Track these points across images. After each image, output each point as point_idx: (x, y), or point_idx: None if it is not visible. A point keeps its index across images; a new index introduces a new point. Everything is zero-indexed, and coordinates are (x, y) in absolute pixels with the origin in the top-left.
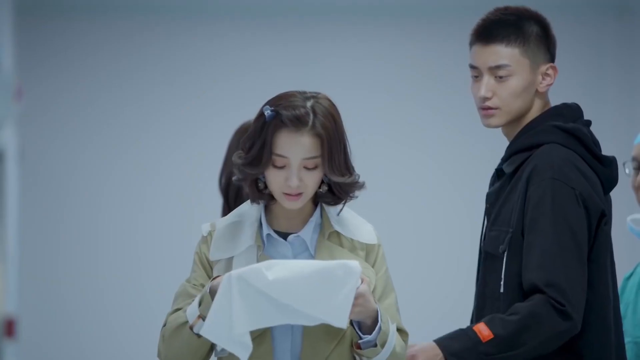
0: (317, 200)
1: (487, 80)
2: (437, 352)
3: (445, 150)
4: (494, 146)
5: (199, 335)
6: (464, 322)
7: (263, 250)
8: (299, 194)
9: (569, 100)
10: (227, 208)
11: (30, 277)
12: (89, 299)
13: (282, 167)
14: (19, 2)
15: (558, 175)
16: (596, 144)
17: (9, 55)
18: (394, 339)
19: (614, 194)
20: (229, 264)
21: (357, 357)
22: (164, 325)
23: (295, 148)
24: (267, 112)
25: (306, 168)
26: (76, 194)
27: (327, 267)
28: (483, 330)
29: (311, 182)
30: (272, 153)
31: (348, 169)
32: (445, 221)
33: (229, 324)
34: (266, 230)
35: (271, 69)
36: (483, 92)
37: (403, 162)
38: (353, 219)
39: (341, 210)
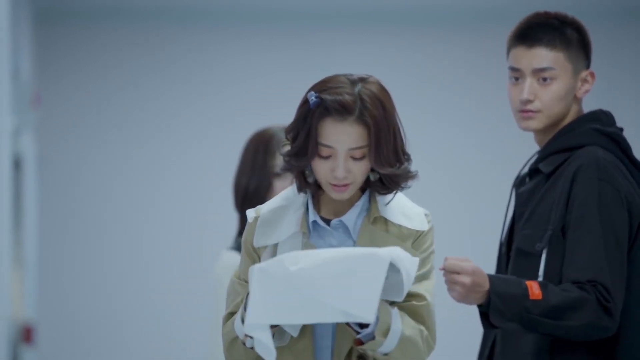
0: (365, 186)
1: (530, 82)
2: (485, 284)
3: (447, 154)
4: (497, 149)
5: (253, 347)
6: (469, 322)
7: (309, 238)
8: (347, 185)
9: (586, 107)
10: (245, 222)
11: (49, 283)
12: (107, 305)
13: (328, 157)
14: (37, 11)
15: (604, 176)
16: (630, 148)
17: (28, 63)
18: (398, 324)
19: None
20: (274, 251)
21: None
22: (222, 332)
23: (341, 138)
24: (312, 99)
25: (353, 158)
26: (95, 201)
27: (354, 256)
28: (535, 288)
29: (359, 172)
30: (317, 143)
31: (398, 158)
32: (446, 222)
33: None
34: (312, 216)
35: (280, 75)
36: (526, 94)
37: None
38: (403, 203)
39: (390, 200)
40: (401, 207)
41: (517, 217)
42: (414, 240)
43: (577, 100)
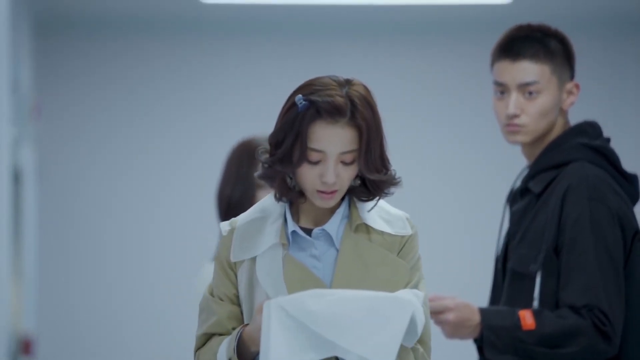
0: (345, 193)
1: (516, 97)
2: (474, 318)
3: (446, 161)
4: (496, 156)
5: None
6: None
7: (288, 249)
8: (334, 192)
9: (584, 118)
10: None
11: (48, 296)
12: (107, 317)
13: (316, 163)
14: (37, 22)
15: (595, 195)
16: (619, 160)
17: (28, 74)
18: None
19: None
20: (252, 265)
21: None
22: (199, 356)
23: (333, 141)
24: (300, 102)
25: (343, 163)
26: (95, 213)
27: (377, 298)
28: (528, 318)
29: (347, 177)
30: (306, 148)
31: (384, 164)
32: (445, 230)
33: (266, 357)
34: (291, 226)
35: (279, 83)
36: (512, 109)
37: (405, 176)
38: (382, 208)
39: (373, 207)
40: (381, 212)
41: (510, 237)
42: (400, 250)
43: (563, 112)
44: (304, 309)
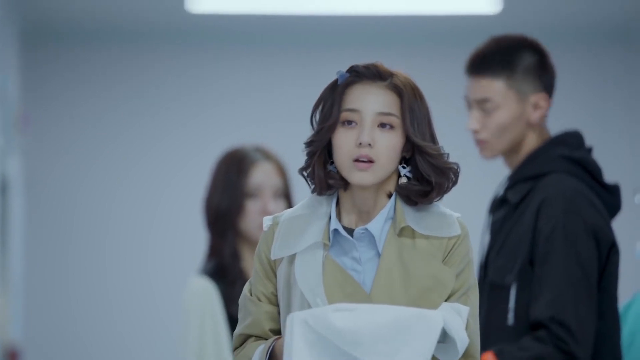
0: (396, 194)
1: (475, 113)
2: None
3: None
4: (483, 164)
5: None
6: None
7: (329, 249)
8: (371, 162)
9: (573, 126)
10: (215, 243)
11: (35, 307)
12: (95, 328)
13: (352, 126)
14: (25, 32)
15: (570, 208)
16: (600, 171)
17: (15, 84)
18: None
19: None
20: (291, 264)
21: None
22: (236, 355)
23: (369, 99)
24: (341, 74)
25: (381, 126)
26: (83, 224)
27: (404, 315)
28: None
29: (384, 145)
30: (340, 110)
31: (434, 139)
32: None
33: None
34: (334, 224)
35: (269, 93)
36: (471, 125)
37: None
38: (432, 210)
39: (434, 201)
40: (427, 214)
41: (490, 247)
42: (446, 254)
43: (534, 125)
44: (328, 324)
